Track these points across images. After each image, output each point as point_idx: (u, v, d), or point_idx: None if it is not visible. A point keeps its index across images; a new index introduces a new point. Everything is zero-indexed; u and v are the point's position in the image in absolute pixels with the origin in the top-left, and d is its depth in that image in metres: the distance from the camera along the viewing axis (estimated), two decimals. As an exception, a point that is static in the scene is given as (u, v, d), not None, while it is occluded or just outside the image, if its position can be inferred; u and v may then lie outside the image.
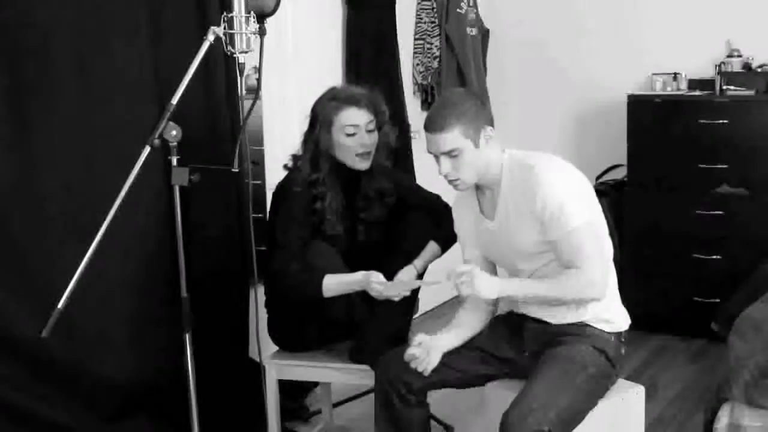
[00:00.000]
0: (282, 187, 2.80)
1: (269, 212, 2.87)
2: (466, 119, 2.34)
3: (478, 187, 2.50)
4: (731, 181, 4.10)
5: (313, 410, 3.47)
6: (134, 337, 2.91)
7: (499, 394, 2.47)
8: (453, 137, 2.33)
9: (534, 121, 4.91)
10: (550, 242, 2.33)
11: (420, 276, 2.70)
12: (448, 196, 2.79)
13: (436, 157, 2.39)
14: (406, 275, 2.66)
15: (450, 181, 2.41)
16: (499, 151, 2.43)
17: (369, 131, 2.73)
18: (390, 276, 2.63)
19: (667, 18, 4.56)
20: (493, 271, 2.57)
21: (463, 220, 2.58)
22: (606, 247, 2.44)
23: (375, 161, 2.78)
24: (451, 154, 2.35)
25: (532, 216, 2.33)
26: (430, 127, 2.37)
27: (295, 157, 2.83)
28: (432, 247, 2.75)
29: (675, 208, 4.24)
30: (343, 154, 2.74)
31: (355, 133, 2.71)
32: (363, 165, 2.75)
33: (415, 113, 4.48)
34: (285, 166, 2.86)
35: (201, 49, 2.44)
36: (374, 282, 2.57)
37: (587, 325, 2.43)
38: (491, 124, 2.40)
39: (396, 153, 2.89)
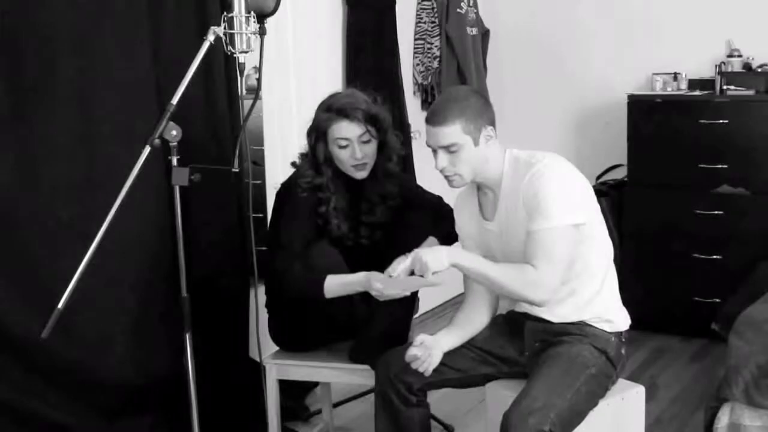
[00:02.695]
0: (286, 188, 2.80)
1: (272, 212, 2.87)
2: (468, 115, 2.34)
3: (479, 188, 2.50)
4: (731, 181, 4.10)
5: (313, 410, 3.47)
6: (134, 337, 2.91)
7: (500, 394, 2.47)
8: (453, 132, 2.33)
9: (534, 121, 4.91)
10: (527, 232, 2.33)
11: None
12: (448, 196, 2.79)
13: (434, 151, 2.39)
14: (401, 262, 2.64)
15: (446, 177, 2.41)
16: (501, 151, 2.42)
17: (363, 143, 2.71)
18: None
19: (667, 18, 4.56)
20: None
21: (463, 221, 2.58)
22: (600, 251, 2.44)
23: (380, 166, 2.78)
24: (449, 149, 2.35)
25: (527, 213, 2.33)
26: (431, 119, 2.37)
27: (303, 156, 2.83)
28: (431, 241, 2.74)
29: (675, 208, 4.24)
30: (340, 164, 2.74)
31: (347, 146, 2.70)
32: (360, 175, 2.75)
33: (415, 113, 4.48)
34: (293, 164, 2.86)
35: (201, 49, 2.44)
36: (375, 282, 2.57)
37: (588, 325, 2.43)
38: (493, 124, 2.40)
39: (401, 157, 2.88)
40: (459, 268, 2.36)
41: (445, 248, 2.38)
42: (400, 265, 2.37)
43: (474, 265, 2.35)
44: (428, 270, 2.29)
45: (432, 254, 2.31)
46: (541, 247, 2.29)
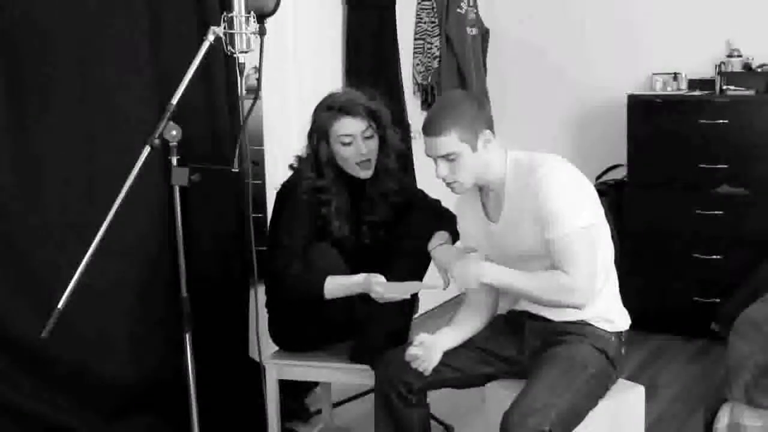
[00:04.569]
0: (286, 188, 2.80)
1: (272, 212, 2.87)
2: (463, 123, 2.33)
3: (481, 189, 2.49)
4: (731, 181, 4.11)
5: (313, 410, 3.47)
6: (134, 337, 2.91)
7: (499, 394, 2.47)
8: (450, 141, 2.33)
9: (534, 121, 4.91)
10: (545, 241, 2.33)
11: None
12: (448, 199, 2.80)
13: (434, 159, 2.39)
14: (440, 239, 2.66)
15: (447, 185, 2.41)
16: (502, 153, 2.42)
17: (366, 138, 2.71)
18: (392, 275, 2.63)
19: (667, 18, 4.56)
20: None
21: (467, 223, 2.57)
22: (605, 251, 2.44)
23: (380, 164, 2.78)
24: (448, 157, 2.35)
25: (533, 217, 2.33)
26: (427, 130, 2.36)
27: (299, 159, 2.83)
28: (441, 236, 2.70)
29: (675, 208, 4.24)
30: (344, 163, 2.74)
31: (351, 143, 2.70)
32: (365, 174, 2.75)
33: (415, 113, 4.48)
34: (290, 166, 2.86)
35: (201, 49, 2.44)
36: (375, 284, 2.57)
37: (588, 324, 2.43)
38: (490, 128, 2.39)
39: (401, 155, 2.88)
40: (496, 284, 2.37)
41: (473, 266, 2.37)
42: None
43: (504, 281, 2.36)
44: (470, 283, 2.34)
45: (462, 274, 2.34)
46: (565, 253, 2.29)
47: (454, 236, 2.68)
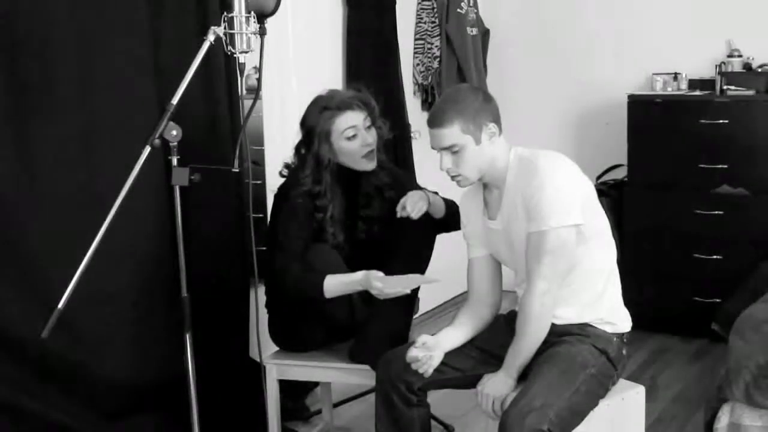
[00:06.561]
0: (283, 190, 2.80)
1: (270, 214, 2.87)
2: (466, 115, 2.34)
3: (485, 186, 2.50)
4: (731, 181, 4.10)
5: (313, 410, 3.47)
6: (134, 337, 2.91)
7: (499, 394, 2.46)
8: (452, 133, 2.34)
9: (534, 121, 4.90)
10: (527, 233, 2.33)
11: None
12: (450, 194, 2.79)
13: (439, 152, 2.39)
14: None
15: (452, 178, 2.41)
16: (506, 148, 2.42)
17: (367, 128, 2.74)
18: (391, 271, 2.63)
19: (667, 18, 4.56)
20: (500, 270, 2.58)
21: (469, 220, 2.58)
22: (604, 251, 2.44)
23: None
24: (451, 149, 2.36)
25: (525, 210, 2.33)
26: (431, 121, 2.38)
27: (288, 166, 2.83)
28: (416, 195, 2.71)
29: (675, 208, 4.24)
30: (349, 159, 2.74)
31: (356, 134, 2.71)
32: (370, 165, 2.76)
33: (415, 113, 4.48)
34: (281, 174, 2.87)
35: (201, 49, 2.44)
36: (374, 280, 2.57)
37: (590, 326, 2.43)
38: (496, 121, 2.39)
39: (395, 149, 2.89)
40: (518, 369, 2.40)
41: (501, 375, 2.39)
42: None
43: (515, 372, 2.38)
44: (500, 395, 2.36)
45: (492, 387, 2.37)
46: (537, 250, 2.30)
47: (455, 225, 2.67)
